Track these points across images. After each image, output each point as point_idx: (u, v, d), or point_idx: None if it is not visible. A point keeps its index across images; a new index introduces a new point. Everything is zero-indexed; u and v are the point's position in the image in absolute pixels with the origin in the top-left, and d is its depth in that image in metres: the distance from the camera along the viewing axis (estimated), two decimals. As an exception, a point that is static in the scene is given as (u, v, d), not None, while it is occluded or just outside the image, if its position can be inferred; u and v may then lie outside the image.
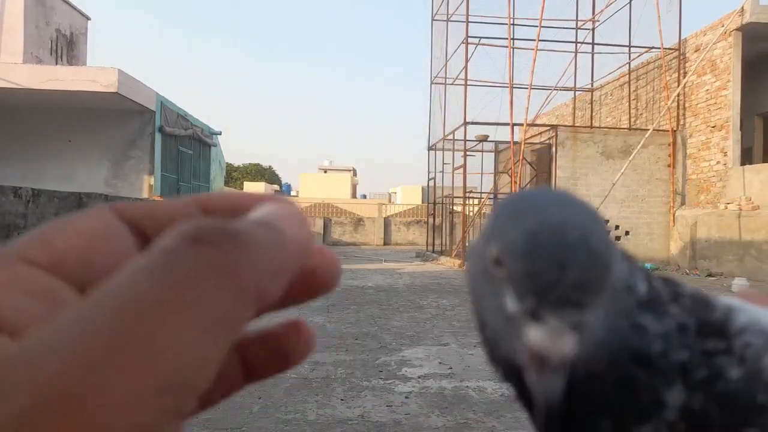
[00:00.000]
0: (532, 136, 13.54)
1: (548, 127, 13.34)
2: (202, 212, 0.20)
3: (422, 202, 28.88)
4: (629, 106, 14.36)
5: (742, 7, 11.23)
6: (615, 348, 0.22)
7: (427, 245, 16.98)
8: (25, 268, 0.17)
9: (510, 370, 0.22)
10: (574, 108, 15.85)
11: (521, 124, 12.66)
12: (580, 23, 15.33)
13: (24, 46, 12.29)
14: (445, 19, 15.37)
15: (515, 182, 12.48)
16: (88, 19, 15.03)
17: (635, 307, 0.22)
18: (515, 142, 12.65)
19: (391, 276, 10.62)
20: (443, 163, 15.32)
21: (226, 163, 19.32)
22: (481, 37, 13.51)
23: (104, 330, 0.13)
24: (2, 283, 0.16)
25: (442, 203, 15.80)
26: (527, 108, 12.59)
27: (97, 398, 0.12)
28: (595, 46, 14.95)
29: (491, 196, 13.98)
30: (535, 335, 0.20)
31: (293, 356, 0.20)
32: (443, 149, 15.41)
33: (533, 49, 12.86)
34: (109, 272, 0.15)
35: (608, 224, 11.93)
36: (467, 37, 13.15)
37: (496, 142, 15.18)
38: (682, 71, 12.91)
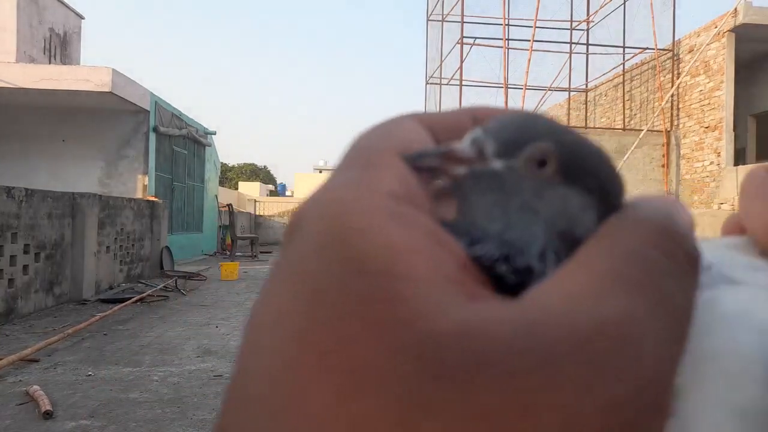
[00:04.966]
0: (526, 137, 13.50)
1: (543, 128, 13.30)
2: (473, 122, 0.21)
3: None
4: (623, 106, 14.41)
5: (735, 9, 11.29)
6: None
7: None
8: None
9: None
10: (569, 108, 15.89)
11: (516, 125, 12.62)
12: (574, 24, 15.37)
13: (17, 45, 12.22)
14: (440, 19, 15.37)
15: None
16: (81, 18, 14.96)
17: None
18: (510, 143, 12.61)
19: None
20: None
21: (221, 163, 19.27)
22: (476, 38, 13.53)
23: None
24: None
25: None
26: (522, 108, 12.58)
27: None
28: (590, 46, 15.01)
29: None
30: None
31: None
32: (438, 149, 15.33)
33: (528, 50, 12.88)
34: None
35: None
36: (462, 37, 13.16)
37: (491, 143, 15.12)
38: (675, 72, 12.97)
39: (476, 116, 0.21)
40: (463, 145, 0.19)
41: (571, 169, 0.19)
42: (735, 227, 0.22)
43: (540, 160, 0.18)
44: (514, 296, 0.15)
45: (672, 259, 0.16)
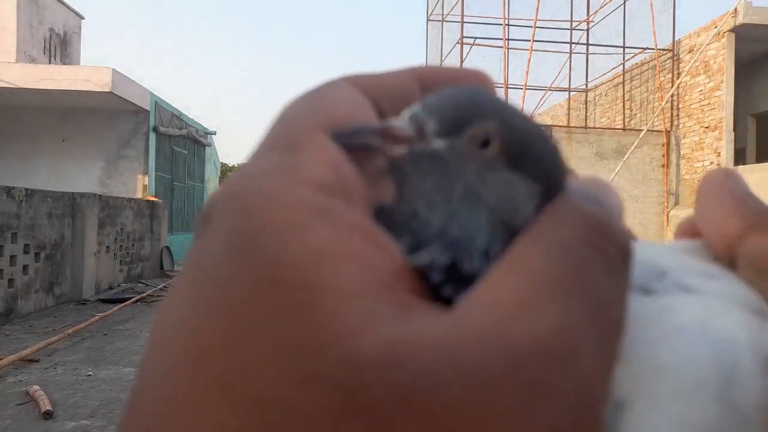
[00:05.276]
0: (526, 137, 13.51)
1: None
2: (421, 86, 0.19)
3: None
4: (623, 106, 14.41)
5: (735, 9, 11.29)
6: None
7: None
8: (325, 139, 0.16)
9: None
10: (569, 108, 15.89)
11: (516, 125, 12.63)
12: (574, 24, 15.37)
13: (17, 45, 12.22)
14: (440, 19, 15.38)
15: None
16: (81, 18, 14.96)
17: None
18: (510, 143, 12.62)
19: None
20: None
21: (221, 163, 19.28)
22: (476, 38, 13.53)
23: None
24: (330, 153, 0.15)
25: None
26: (522, 108, 12.59)
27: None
28: (590, 46, 15.00)
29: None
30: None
31: None
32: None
33: (528, 50, 12.88)
34: None
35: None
36: (462, 37, 13.16)
37: (491, 143, 15.13)
38: (675, 72, 12.97)
39: (421, 78, 0.19)
40: (402, 123, 0.17)
41: (515, 152, 0.17)
42: (689, 230, 0.21)
43: (483, 140, 0.17)
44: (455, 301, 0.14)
45: (604, 255, 0.15)
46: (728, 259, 0.19)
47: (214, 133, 16.13)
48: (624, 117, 14.30)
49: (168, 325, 0.13)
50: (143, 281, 8.75)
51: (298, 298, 0.11)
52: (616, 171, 11.93)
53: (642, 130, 12.74)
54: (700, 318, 0.16)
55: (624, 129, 13.60)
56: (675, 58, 12.99)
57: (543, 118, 17.11)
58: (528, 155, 0.17)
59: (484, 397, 0.11)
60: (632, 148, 12.33)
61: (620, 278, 0.15)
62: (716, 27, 11.64)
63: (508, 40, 13.40)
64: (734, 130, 11.85)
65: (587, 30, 15.39)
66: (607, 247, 0.15)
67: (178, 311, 0.13)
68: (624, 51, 14.22)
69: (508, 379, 0.11)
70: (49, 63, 13.01)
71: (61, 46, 14.02)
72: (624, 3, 14.21)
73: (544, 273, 0.13)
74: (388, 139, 0.17)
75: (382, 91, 0.18)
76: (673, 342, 0.15)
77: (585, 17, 15.37)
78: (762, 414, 0.15)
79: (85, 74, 10.23)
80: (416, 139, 0.17)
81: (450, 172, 0.17)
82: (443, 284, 0.15)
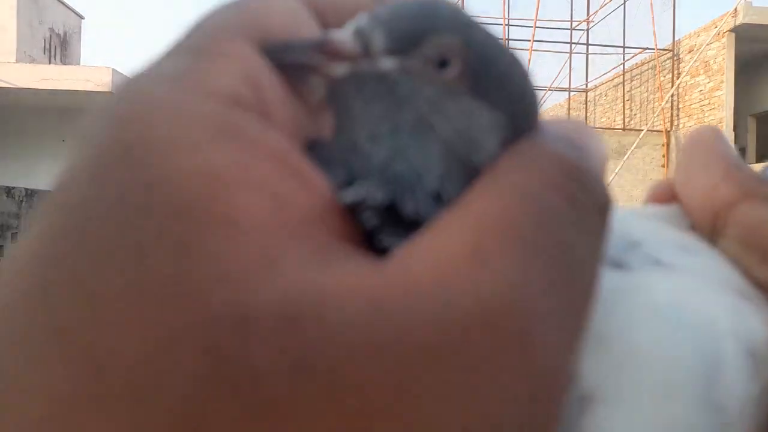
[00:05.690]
0: (526, 137, 13.54)
1: (543, 128, 13.34)
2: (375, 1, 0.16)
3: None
4: (623, 106, 14.42)
5: (735, 9, 11.29)
6: None
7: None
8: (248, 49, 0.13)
9: None
10: (569, 108, 15.89)
11: (516, 125, 12.65)
12: (574, 24, 15.37)
13: (17, 45, 12.22)
14: (440, 19, 15.37)
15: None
16: (81, 18, 14.97)
17: None
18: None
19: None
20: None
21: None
22: (476, 38, 13.51)
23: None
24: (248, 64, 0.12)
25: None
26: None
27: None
28: (590, 46, 15.00)
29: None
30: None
31: None
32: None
33: (528, 50, 12.88)
34: None
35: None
36: (462, 37, 13.16)
37: (491, 143, 15.16)
38: (675, 72, 12.98)
39: None
40: (344, 36, 0.14)
41: (479, 75, 0.14)
42: (664, 194, 0.19)
43: (442, 59, 0.14)
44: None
45: (576, 206, 0.12)
46: (710, 228, 0.17)
47: (214, 133, 16.13)
48: (624, 117, 14.31)
49: (19, 256, 0.10)
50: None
51: (174, 229, 0.09)
52: (616, 171, 11.92)
53: (642, 130, 12.74)
54: (678, 300, 0.14)
55: (624, 129, 13.61)
56: (675, 58, 12.99)
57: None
58: (494, 80, 0.15)
59: (404, 379, 0.08)
60: (632, 148, 12.32)
61: (594, 237, 0.12)
62: (716, 27, 11.64)
63: (508, 39, 13.41)
64: (734, 130, 11.85)
65: (587, 30, 15.39)
66: (581, 198, 0.12)
67: (31, 242, 0.10)
68: (624, 51, 14.24)
69: (440, 356, 0.09)
70: (49, 63, 13.02)
71: (61, 46, 14.02)
72: (624, 3, 14.22)
73: (501, 222, 0.11)
74: (326, 56, 0.14)
75: (330, 3, 0.16)
76: (647, 328, 0.13)
77: (585, 17, 15.37)
78: (746, 414, 0.13)
79: (85, 74, 10.26)
80: (360, 57, 0.14)
81: (399, 97, 0.14)
82: (378, 230, 0.12)
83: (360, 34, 0.14)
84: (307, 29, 0.15)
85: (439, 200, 0.13)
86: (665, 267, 0.15)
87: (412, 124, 0.14)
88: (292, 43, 0.14)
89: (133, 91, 0.11)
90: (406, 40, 0.14)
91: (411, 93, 0.14)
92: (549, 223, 0.11)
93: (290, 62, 0.13)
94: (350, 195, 0.12)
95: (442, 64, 0.14)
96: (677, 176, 0.18)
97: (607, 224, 0.13)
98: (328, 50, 0.14)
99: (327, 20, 0.15)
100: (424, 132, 0.14)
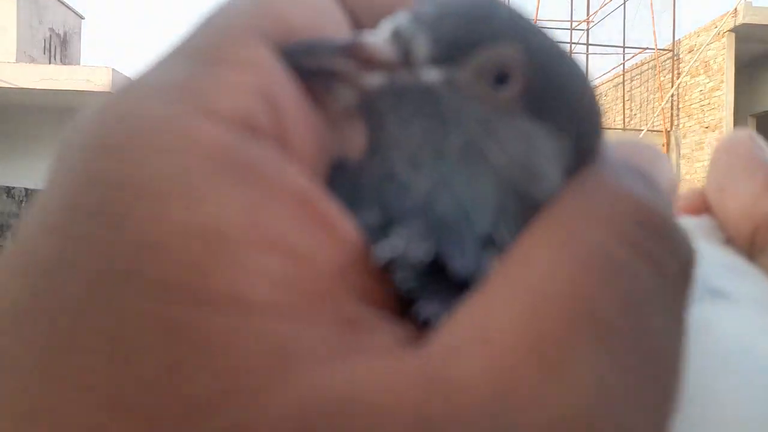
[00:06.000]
0: (526, 137, 13.57)
1: (543, 128, 13.37)
2: None
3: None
4: (623, 106, 14.42)
5: (735, 9, 11.30)
6: None
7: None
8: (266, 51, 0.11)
9: None
10: (569, 108, 15.89)
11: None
12: (574, 24, 15.38)
13: (17, 45, 12.23)
14: (440, 19, 15.40)
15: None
16: (81, 18, 14.98)
17: None
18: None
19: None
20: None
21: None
22: (476, 38, 13.52)
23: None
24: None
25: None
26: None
27: None
28: (590, 46, 15.01)
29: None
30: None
31: None
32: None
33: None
34: None
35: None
36: (462, 37, 13.18)
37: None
38: (675, 72, 12.98)
39: None
40: (379, 39, 0.12)
41: (542, 92, 0.12)
42: (695, 205, 0.17)
43: (499, 73, 0.12)
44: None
45: (661, 273, 0.09)
46: (748, 243, 0.15)
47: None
48: (624, 117, 14.31)
49: None
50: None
51: (164, 316, 0.07)
52: (616, 171, 11.89)
53: (642, 130, 12.74)
54: (748, 339, 0.12)
55: (624, 129, 13.61)
56: (675, 58, 12.99)
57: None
58: (558, 97, 0.12)
59: None
60: (632, 148, 12.32)
61: (679, 309, 0.10)
62: (716, 27, 11.65)
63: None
64: (734, 130, 11.85)
65: (587, 30, 15.39)
66: (664, 260, 0.10)
67: None
68: (624, 51, 14.24)
69: None
70: (49, 63, 13.03)
71: (61, 46, 14.02)
72: (624, 3, 14.22)
73: (568, 300, 0.09)
74: (358, 63, 0.11)
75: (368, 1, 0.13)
76: (721, 376, 0.11)
77: (585, 17, 15.37)
78: None
79: (85, 74, 10.27)
80: (399, 65, 0.12)
81: (444, 116, 0.12)
82: (415, 291, 0.10)
83: (399, 38, 0.12)
84: (335, 27, 0.12)
85: (491, 245, 0.11)
86: (724, 297, 0.13)
87: (459, 149, 0.11)
88: (317, 45, 0.11)
89: (117, 110, 0.09)
90: (456, 47, 0.12)
91: (459, 112, 0.12)
92: (628, 298, 0.09)
93: (314, 68, 0.11)
94: (386, 251, 0.10)
95: (500, 78, 0.12)
96: (710, 185, 0.16)
97: (690, 284, 0.10)
98: (359, 56, 0.11)
99: (360, 18, 0.13)
100: (475, 160, 0.11)
